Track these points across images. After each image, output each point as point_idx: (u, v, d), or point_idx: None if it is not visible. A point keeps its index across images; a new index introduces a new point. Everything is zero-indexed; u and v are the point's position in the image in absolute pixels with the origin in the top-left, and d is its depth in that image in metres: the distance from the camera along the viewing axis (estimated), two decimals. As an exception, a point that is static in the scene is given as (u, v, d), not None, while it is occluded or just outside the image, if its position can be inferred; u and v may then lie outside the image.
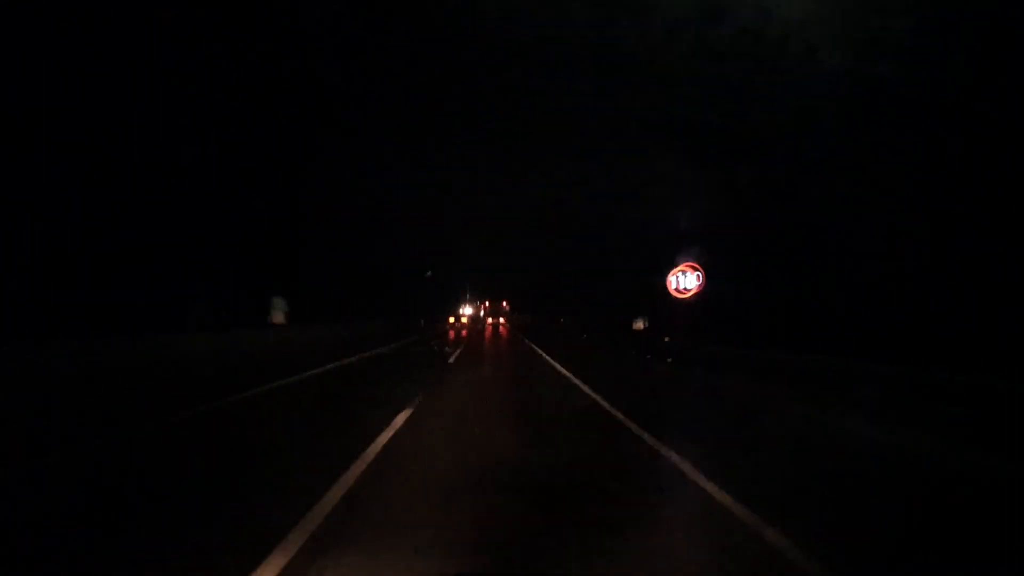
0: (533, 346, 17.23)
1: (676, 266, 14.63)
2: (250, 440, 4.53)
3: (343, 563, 2.27)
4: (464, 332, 26.48)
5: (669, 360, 13.05)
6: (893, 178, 11.67)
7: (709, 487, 3.43)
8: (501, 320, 45.77)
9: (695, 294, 14.32)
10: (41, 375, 6.66)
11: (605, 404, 6.35)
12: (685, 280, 14.43)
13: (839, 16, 11.43)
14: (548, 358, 12.99)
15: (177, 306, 14.16)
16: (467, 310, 42.76)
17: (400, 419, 5.14)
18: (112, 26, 12.67)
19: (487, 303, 46.99)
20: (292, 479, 3.36)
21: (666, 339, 16.51)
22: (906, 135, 11.35)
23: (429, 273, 43.02)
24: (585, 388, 7.81)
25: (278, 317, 17.51)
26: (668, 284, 14.77)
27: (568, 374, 9.70)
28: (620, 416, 5.65)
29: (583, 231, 34.34)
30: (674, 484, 3.61)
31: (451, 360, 12.15)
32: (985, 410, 5.15)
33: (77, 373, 7.08)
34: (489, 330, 30.01)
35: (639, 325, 24.33)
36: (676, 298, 14.59)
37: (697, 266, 14.38)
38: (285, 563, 2.27)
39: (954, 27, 10.17)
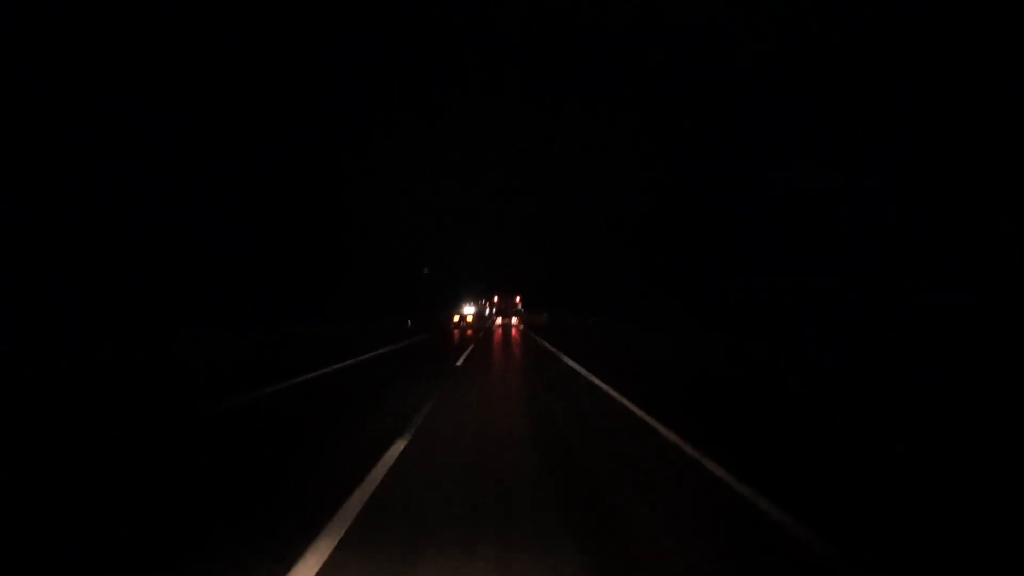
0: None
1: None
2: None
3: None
4: (469, 332, 25.74)
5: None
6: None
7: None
8: (514, 320, 34.78)
9: None
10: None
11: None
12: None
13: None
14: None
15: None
16: (469, 309, 39.42)
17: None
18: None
19: (496, 298, 38.85)
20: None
21: None
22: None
23: (426, 270, 42.72)
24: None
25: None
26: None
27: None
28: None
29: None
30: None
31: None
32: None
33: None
34: (499, 334, 23.13)
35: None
36: None
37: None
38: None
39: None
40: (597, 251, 34.04)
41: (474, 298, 43.41)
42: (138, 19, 13.29)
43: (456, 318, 34.81)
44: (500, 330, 27.72)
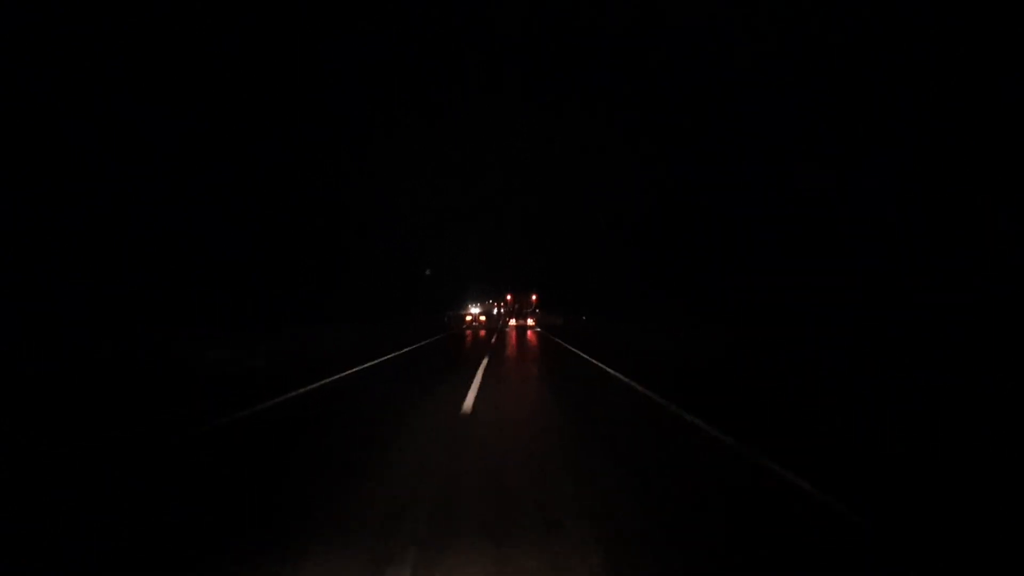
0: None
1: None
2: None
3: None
4: (483, 332, 24.81)
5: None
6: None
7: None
8: (530, 322, 29.62)
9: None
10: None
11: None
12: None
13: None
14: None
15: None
16: (474, 309, 37.63)
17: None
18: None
19: (509, 297, 33.14)
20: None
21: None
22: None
23: (428, 271, 42.38)
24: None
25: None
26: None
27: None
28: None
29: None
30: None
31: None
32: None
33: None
34: (513, 337, 20.57)
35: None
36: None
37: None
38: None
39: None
40: (597, 251, 33.98)
41: (477, 298, 42.03)
42: (138, 19, 13.29)
43: (468, 318, 33.60)
44: (513, 332, 24.69)
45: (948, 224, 10.70)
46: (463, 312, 34.56)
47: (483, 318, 33.38)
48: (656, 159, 22.58)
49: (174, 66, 14.48)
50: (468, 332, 24.92)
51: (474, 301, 40.12)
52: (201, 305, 15.22)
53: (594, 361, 10.68)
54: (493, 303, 41.37)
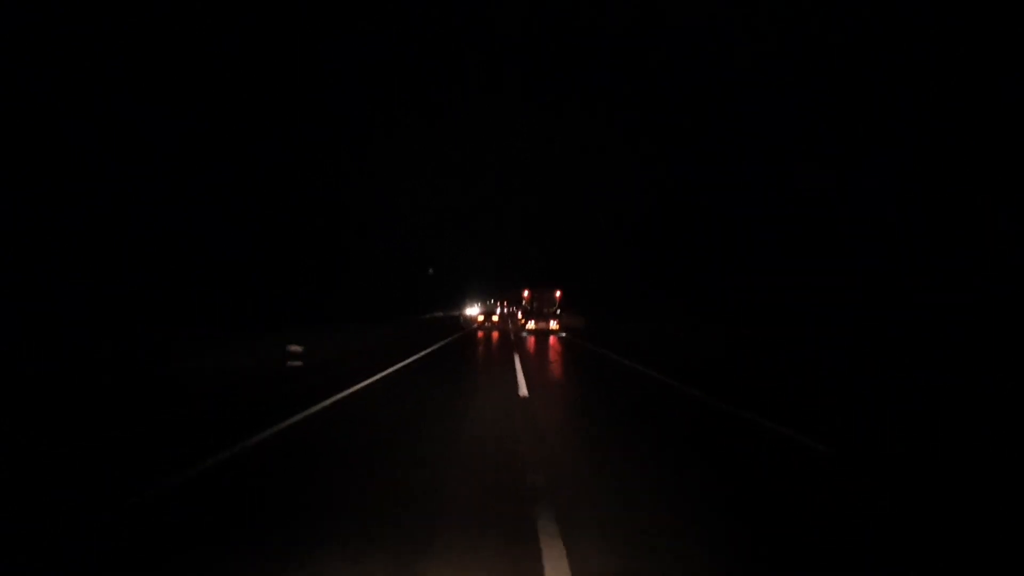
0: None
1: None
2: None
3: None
4: (495, 333, 21.70)
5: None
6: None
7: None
8: (553, 325, 23.33)
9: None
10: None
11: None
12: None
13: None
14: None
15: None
16: (471, 310, 35.51)
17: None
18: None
19: (526, 293, 24.92)
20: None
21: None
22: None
23: (431, 270, 42.24)
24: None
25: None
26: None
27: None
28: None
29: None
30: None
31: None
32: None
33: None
34: (528, 348, 14.63)
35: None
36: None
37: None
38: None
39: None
40: (597, 251, 33.98)
41: (479, 297, 41.04)
42: (138, 19, 13.29)
43: (480, 317, 32.01)
44: (531, 342, 17.51)
45: (948, 224, 10.71)
46: (459, 313, 33.25)
47: (495, 318, 30.48)
48: (656, 159, 22.62)
49: (174, 66, 14.48)
50: (479, 333, 23.10)
51: (475, 300, 39.08)
52: (201, 305, 15.22)
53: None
54: (496, 302, 36.92)
